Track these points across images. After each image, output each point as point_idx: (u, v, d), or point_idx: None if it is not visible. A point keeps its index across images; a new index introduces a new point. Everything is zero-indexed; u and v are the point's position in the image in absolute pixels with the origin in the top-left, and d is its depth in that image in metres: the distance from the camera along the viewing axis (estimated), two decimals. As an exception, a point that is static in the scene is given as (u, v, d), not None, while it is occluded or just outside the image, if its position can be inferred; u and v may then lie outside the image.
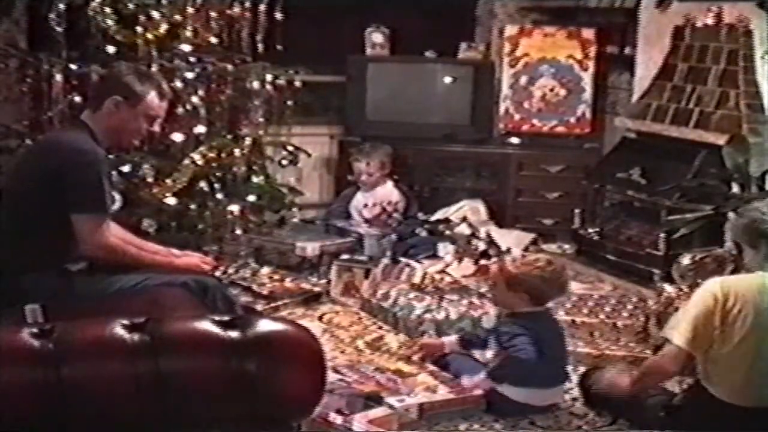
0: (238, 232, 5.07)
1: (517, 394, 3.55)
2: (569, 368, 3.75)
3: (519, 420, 3.52)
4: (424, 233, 5.63)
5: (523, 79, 6.44)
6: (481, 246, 5.39)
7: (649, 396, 3.29)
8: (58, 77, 4.64)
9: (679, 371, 3.16)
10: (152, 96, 3.50)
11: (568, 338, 3.90)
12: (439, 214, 5.97)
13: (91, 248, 3.33)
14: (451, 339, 3.98)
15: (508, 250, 5.31)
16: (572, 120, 6.42)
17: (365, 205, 5.77)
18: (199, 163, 4.79)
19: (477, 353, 3.88)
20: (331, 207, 5.98)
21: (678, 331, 3.07)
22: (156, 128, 3.61)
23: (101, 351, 1.99)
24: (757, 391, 3.01)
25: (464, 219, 5.82)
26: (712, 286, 3.07)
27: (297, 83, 5.29)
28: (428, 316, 4.39)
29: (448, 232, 5.56)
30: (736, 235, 3.28)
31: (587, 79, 6.37)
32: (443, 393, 3.58)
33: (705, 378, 3.09)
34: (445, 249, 5.43)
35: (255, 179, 5.13)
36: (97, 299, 3.25)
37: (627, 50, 6.12)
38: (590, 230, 5.71)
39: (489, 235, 5.54)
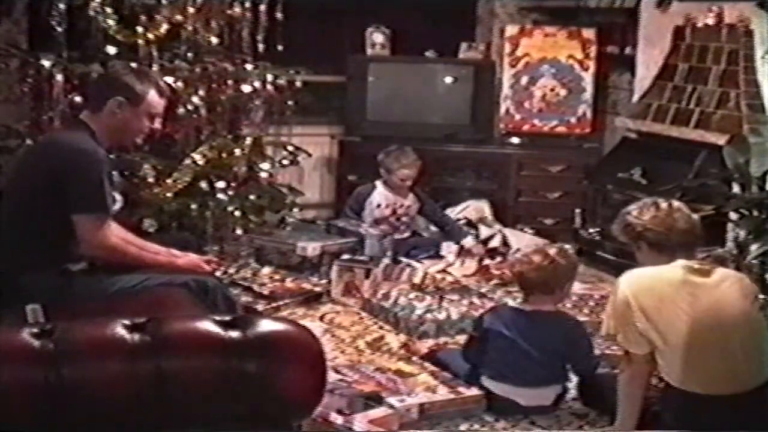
0: (239, 232, 5.07)
1: (497, 388, 3.55)
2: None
3: (519, 420, 3.51)
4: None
5: (524, 79, 6.44)
6: (495, 243, 5.43)
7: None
8: (59, 77, 4.65)
9: (650, 366, 3.13)
10: (152, 94, 3.51)
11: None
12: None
13: (91, 248, 3.34)
14: None
15: (517, 251, 5.32)
16: (573, 120, 6.42)
17: (378, 205, 5.71)
18: (200, 163, 4.79)
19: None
20: (348, 203, 5.77)
21: (619, 334, 3.10)
22: (157, 125, 3.62)
23: (102, 351, 1.99)
24: (729, 378, 3.00)
25: (481, 220, 5.85)
26: (622, 284, 3.11)
27: (297, 83, 5.29)
28: (429, 316, 4.39)
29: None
30: (619, 236, 3.34)
31: (588, 79, 6.37)
32: (443, 393, 3.57)
33: (668, 375, 3.07)
34: (448, 248, 5.44)
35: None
36: (97, 299, 3.25)
37: (627, 50, 6.11)
38: (591, 230, 5.70)
39: (503, 236, 5.58)
